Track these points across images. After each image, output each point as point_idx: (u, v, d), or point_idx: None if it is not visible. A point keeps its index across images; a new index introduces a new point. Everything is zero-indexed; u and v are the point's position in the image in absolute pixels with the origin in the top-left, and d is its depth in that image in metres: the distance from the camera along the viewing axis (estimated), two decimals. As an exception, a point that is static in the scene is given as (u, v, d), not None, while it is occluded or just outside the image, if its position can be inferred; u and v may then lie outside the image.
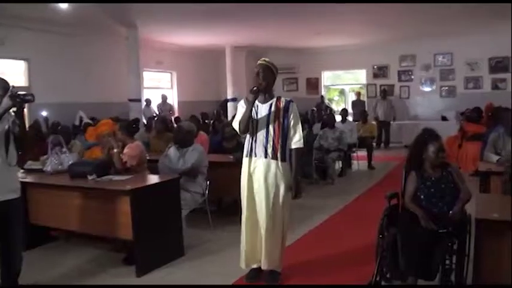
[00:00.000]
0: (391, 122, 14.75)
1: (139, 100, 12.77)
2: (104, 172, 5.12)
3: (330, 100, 19.15)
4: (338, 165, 9.98)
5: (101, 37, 12.91)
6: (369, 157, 10.83)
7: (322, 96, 17.56)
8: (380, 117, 14.56)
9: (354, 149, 10.41)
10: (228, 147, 7.57)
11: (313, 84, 18.62)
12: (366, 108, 14.73)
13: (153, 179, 5.24)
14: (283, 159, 4.00)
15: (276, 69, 4.11)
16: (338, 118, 10.90)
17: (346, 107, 15.32)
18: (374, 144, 12.43)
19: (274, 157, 3.98)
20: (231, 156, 6.27)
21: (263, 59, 4.09)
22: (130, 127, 5.95)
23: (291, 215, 6.65)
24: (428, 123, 8.80)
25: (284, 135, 4.00)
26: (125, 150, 5.49)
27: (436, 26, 13.30)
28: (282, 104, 4.02)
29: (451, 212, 3.73)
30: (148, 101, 14.81)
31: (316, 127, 11.05)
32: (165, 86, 16.98)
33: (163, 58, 15.86)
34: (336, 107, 18.51)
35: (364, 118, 11.93)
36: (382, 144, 14.57)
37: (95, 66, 13.00)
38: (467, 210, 3.87)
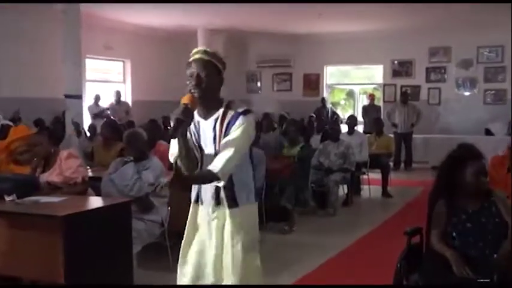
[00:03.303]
0: (413, 135, 14.80)
1: (79, 96, 12.69)
2: (27, 191, 5.05)
3: (334, 104, 19.28)
4: (342, 190, 10.01)
5: (27, 10, 12.79)
6: (384, 181, 10.87)
7: (323, 99, 17.67)
8: (399, 128, 14.65)
9: (363, 170, 10.45)
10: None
11: (313, 83, 18.75)
12: (382, 116, 14.82)
13: (96, 202, 5.19)
14: (235, 204, 3.50)
15: (223, 64, 3.55)
16: (344, 128, 10.93)
17: (355, 114, 15.39)
18: (391, 164, 12.48)
19: (232, 203, 3.49)
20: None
21: (202, 49, 3.52)
22: (58, 136, 5.94)
23: (277, 256, 6.67)
24: (466, 138, 8.86)
25: (242, 165, 3.49)
26: (63, 166, 5.49)
27: (480, 10, 13.41)
28: (227, 119, 3.44)
29: (495, 255, 3.74)
30: (97, 98, 14.78)
31: (315, 140, 11.07)
32: (115, 79, 16.94)
33: (113, 42, 15.82)
34: (342, 113, 18.63)
35: (379, 129, 11.97)
36: (402, 165, 14.65)
37: (19, 49, 12.90)
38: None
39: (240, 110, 3.42)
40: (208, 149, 3.50)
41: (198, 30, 16.42)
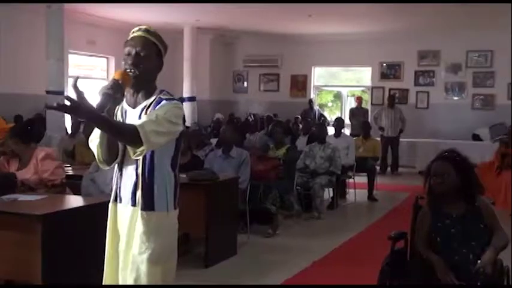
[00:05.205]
0: (400, 139, 14.82)
1: (61, 93, 12.60)
2: (5, 189, 5.02)
3: (322, 106, 19.29)
4: (328, 193, 10.03)
5: (8, 4, 12.70)
6: (370, 185, 10.91)
7: (310, 101, 17.69)
8: (386, 131, 14.69)
9: (350, 173, 10.46)
10: (180, 163, 7.55)
11: (300, 84, 18.75)
12: (369, 119, 14.85)
13: (76, 201, 5.16)
14: (150, 207, 3.18)
15: (165, 47, 3.31)
16: (331, 131, 10.94)
17: (343, 116, 15.41)
18: (378, 168, 12.52)
19: (147, 205, 3.18)
20: (184, 175, 6.24)
21: (143, 27, 3.27)
22: (24, 132, 5.87)
23: (261, 259, 6.68)
24: (454, 143, 8.91)
25: (162, 164, 3.22)
26: (40, 167, 5.46)
27: (470, 14, 13.46)
28: (151, 107, 3.17)
29: (479, 261, 3.75)
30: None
31: (301, 141, 11.07)
32: (99, 75, 16.86)
33: (97, 37, 15.75)
34: (329, 115, 18.65)
35: (366, 132, 12.03)
36: (389, 169, 14.71)
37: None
38: (503, 261, 3.91)
39: (164, 97, 3.16)
40: None
41: (184, 28, 16.39)
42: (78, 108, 2.78)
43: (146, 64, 3.15)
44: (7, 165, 5.68)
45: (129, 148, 3.08)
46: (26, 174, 5.45)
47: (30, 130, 5.87)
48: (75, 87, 2.82)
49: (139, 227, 3.18)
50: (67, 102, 2.76)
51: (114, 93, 2.94)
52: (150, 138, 2.95)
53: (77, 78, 2.84)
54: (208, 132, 12.60)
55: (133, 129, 2.94)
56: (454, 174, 3.90)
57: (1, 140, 5.96)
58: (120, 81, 2.99)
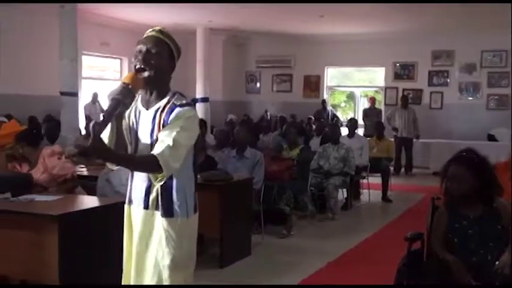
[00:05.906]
0: (414, 140, 14.78)
1: (75, 94, 12.66)
2: (22, 190, 5.05)
3: (335, 106, 19.29)
4: (342, 194, 10.02)
5: (22, 5, 12.76)
6: (384, 186, 10.90)
7: (324, 101, 17.70)
8: (399, 132, 14.65)
9: (364, 174, 10.47)
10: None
11: (313, 85, 18.77)
12: (383, 120, 14.82)
13: (91, 201, 5.17)
14: (170, 213, 3.14)
15: (178, 50, 3.28)
16: (344, 131, 10.93)
17: (356, 117, 15.38)
18: (392, 168, 12.49)
19: (167, 212, 3.14)
20: (198, 176, 6.25)
21: (157, 28, 3.25)
22: (31, 136, 5.93)
23: (275, 259, 6.69)
24: (469, 144, 8.83)
25: (184, 171, 3.19)
26: (48, 164, 5.50)
27: (485, 14, 13.41)
28: (166, 110, 3.10)
29: (497, 262, 3.74)
30: (95, 96, 14.98)
31: (315, 142, 11.08)
32: (112, 76, 16.95)
33: (110, 38, 15.84)
34: (342, 116, 18.64)
35: (380, 133, 12.00)
36: (403, 169, 14.68)
37: (12, 44, 12.91)
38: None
39: (177, 103, 3.09)
40: (144, 140, 3.15)
41: (197, 29, 16.43)
42: (88, 154, 2.99)
43: (157, 61, 3.10)
44: (19, 168, 5.73)
45: (150, 175, 3.13)
46: (36, 174, 5.48)
47: (35, 133, 5.93)
48: (91, 131, 2.91)
49: (158, 232, 3.14)
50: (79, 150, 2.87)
51: (123, 98, 2.94)
52: (169, 164, 2.99)
53: (93, 123, 2.91)
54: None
55: (153, 159, 2.98)
56: (470, 178, 3.87)
57: (10, 144, 6.00)
58: (130, 86, 2.96)
